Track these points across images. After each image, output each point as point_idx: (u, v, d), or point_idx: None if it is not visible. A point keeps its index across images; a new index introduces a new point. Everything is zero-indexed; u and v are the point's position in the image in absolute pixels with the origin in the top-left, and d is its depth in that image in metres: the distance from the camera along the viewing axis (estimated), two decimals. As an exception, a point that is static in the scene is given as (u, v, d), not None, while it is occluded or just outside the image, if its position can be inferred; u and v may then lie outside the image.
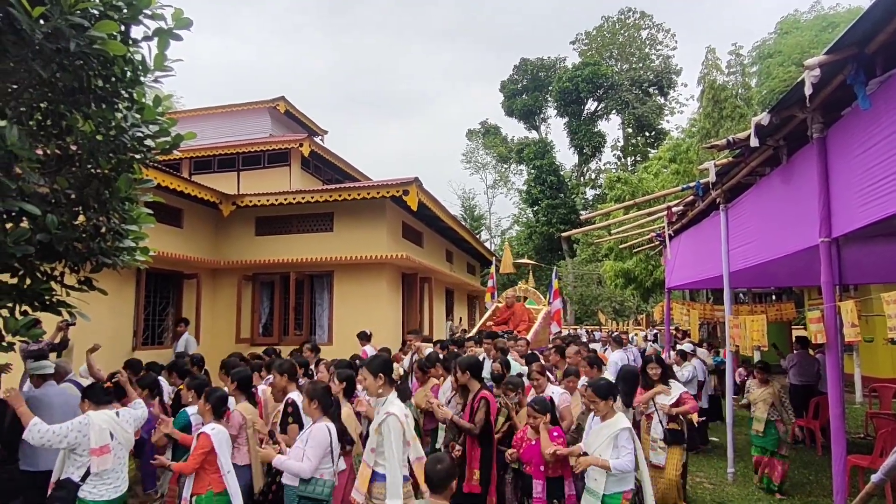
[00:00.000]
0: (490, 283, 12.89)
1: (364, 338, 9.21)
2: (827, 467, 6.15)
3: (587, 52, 45.93)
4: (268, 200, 11.17)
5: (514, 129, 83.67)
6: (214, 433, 3.85)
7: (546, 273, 40.73)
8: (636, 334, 21.84)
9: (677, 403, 5.42)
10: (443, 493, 2.74)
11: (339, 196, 10.86)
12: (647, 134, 43.41)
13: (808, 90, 3.86)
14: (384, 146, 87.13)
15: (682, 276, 10.17)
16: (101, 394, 4.08)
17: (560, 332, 11.12)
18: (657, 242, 12.03)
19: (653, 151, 38.04)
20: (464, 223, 16.49)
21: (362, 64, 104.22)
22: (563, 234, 17.16)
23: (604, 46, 45.86)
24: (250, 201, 11.25)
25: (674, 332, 12.27)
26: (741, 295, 17.29)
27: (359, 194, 10.78)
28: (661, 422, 5.42)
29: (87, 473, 3.72)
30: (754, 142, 4.93)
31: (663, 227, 10.05)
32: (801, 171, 4.91)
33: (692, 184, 8.20)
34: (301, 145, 13.65)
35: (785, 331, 15.51)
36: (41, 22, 2.71)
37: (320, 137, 17.79)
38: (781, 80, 26.01)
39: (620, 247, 18.91)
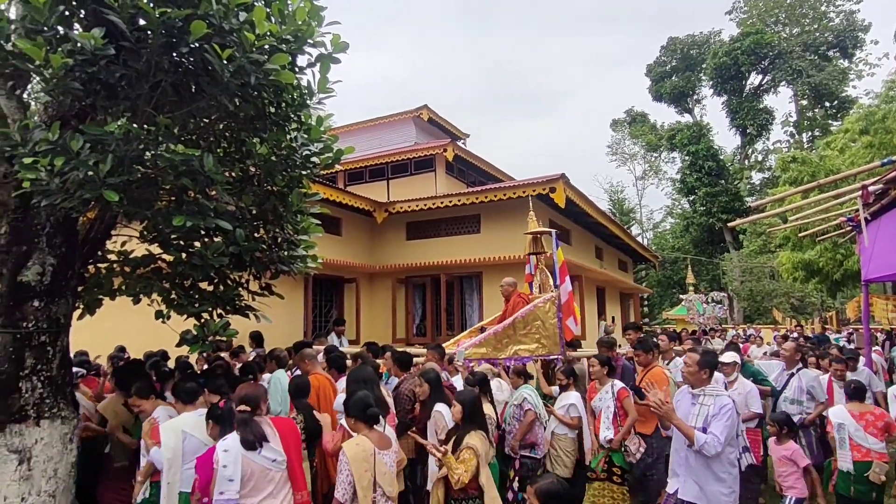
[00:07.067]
0: (527, 270, 8.92)
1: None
2: None
3: (747, 21, 40.99)
4: (417, 206, 11.69)
5: (664, 115, 78.42)
6: None
7: (706, 267, 37.22)
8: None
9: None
10: None
11: (485, 198, 11.01)
12: (826, 104, 37.56)
13: None
14: (529, 143, 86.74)
15: (884, 265, 8.64)
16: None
17: (578, 333, 8.00)
18: (848, 228, 10.38)
19: (836, 124, 32.91)
20: (613, 218, 15.67)
21: (503, 63, 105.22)
22: (730, 225, 15.64)
23: (767, 12, 40.62)
24: (401, 207, 11.86)
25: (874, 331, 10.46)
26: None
27: (504, 195, 10.82)
28: None
29: None
30: None
31: (856, 211, 8.64)
32: None
33: (895, 157, 6.95)
34: (445, 150, 14.08)
35: None
36: (226, 62, 3.08)
37: (462, 141, 18.24)
38: None
39: (800, 235, 16.60)
